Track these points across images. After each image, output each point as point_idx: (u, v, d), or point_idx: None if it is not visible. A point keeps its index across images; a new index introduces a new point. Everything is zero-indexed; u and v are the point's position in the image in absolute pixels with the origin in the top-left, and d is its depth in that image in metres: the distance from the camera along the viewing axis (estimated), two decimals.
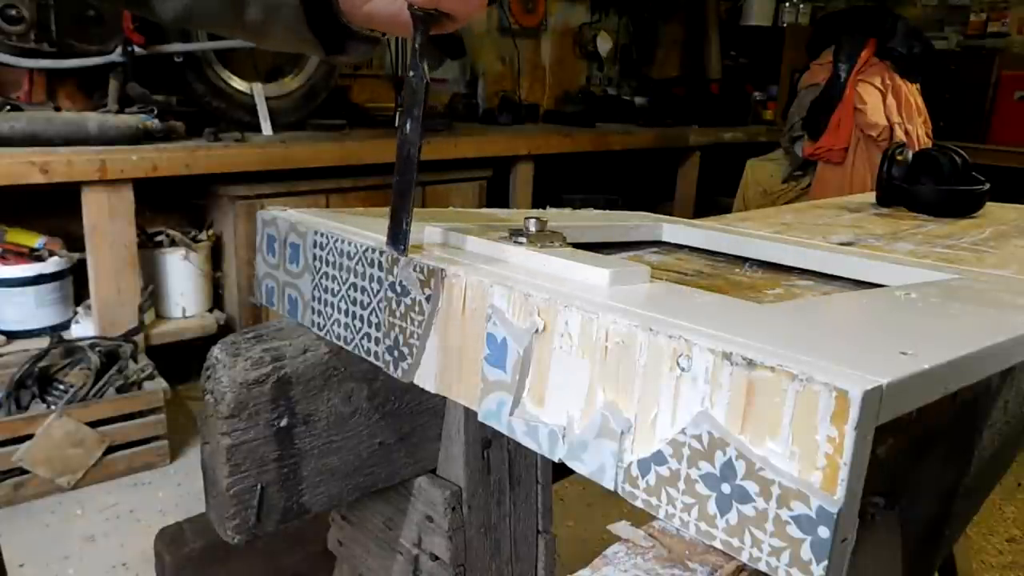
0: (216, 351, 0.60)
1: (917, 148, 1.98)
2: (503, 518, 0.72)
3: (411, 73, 0.53)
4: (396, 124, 2.90)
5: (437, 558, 0.69)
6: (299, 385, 0.61)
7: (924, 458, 0.62)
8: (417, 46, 0.53)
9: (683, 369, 0.38)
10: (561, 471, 0.78)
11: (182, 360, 2.30)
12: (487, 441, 0.69)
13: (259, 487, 0.60)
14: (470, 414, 0.67)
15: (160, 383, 2.05)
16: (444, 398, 0.69)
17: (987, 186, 1.24)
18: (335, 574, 0.81)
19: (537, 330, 0.45)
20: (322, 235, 0.61)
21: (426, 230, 0.63)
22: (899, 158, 1.31)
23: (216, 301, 2.52)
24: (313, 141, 2.49)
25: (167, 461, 2.06)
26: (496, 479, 0.70)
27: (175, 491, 1.96)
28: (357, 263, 0.58)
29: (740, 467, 0.36)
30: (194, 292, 2.42)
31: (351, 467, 0.66)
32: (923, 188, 1.26)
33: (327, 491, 0.65)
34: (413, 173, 0.54)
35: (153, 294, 2.30)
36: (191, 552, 0.71)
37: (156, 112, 2.27)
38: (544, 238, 0.57)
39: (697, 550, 0.44)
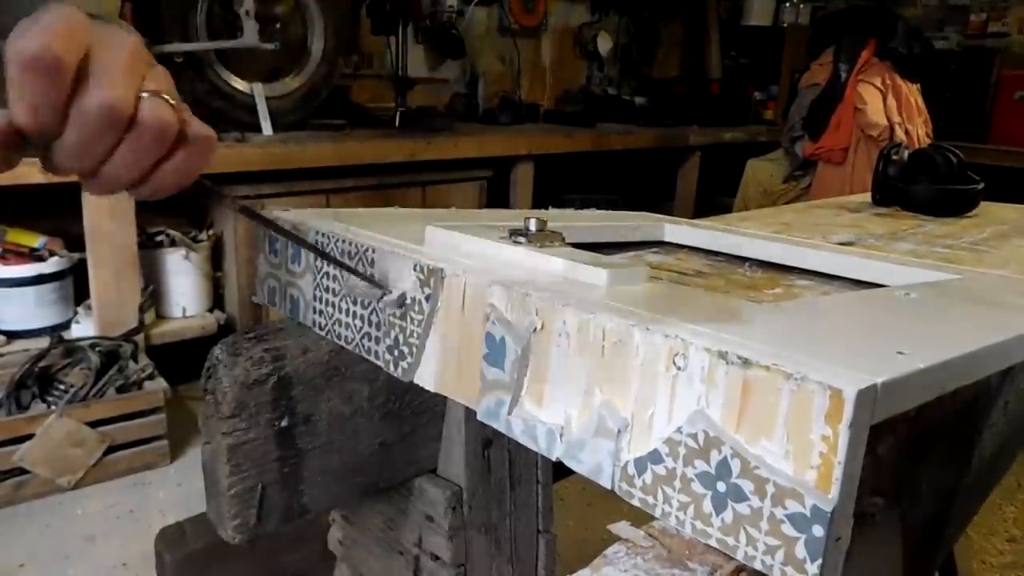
0: (217, 351, 0.60)
1: (917, 148, 1.98)
2: (503, 518, 0.72)
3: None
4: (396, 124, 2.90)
5: (438, 558, 0.69)
6: (300, 385, 0.61)
7: (924, 458, 0.62)
8: None
9: (679, 368, 0.38)
10: (561, 471, 0.78)
11: (182, 360, 2.30)
12: (487, 441, 0.69)
13: (260, 487, 0.60)
14: (470, 414, 0.67)
15: (160, 383, 2.05)
16: (445, 398, 0.69)
17: (981, 185, 1.24)
18: (335, 574, 0.81)
19: (535, 329, 0.45)
20: (323, 235, 0.61)
21: (426, 230, 0.63)
22: (895, 158, 1.31)
23: (216, 301, 2.52)
24: (313, 141, 2.49)
25: (167, 461, 2.06)
26: (496, 479, 0.71)
27: (175, 491, 1.96)
28: (358, 263, 0.58)
29: (735, 466, 0.36)
30: (194, 292, 2.42)
31: (352, 467, 0.66)
32: (917, 187, 1.26)
33: (328, 491, 0.65)
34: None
35: (153, 294, 2.30)
36: (192, 552, 0.71)
37: None
38: (544, 238, 0.57)
39: (697, 550, 0.44)
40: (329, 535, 0.80)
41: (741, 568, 0.42)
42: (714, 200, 3.79)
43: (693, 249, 0.85)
